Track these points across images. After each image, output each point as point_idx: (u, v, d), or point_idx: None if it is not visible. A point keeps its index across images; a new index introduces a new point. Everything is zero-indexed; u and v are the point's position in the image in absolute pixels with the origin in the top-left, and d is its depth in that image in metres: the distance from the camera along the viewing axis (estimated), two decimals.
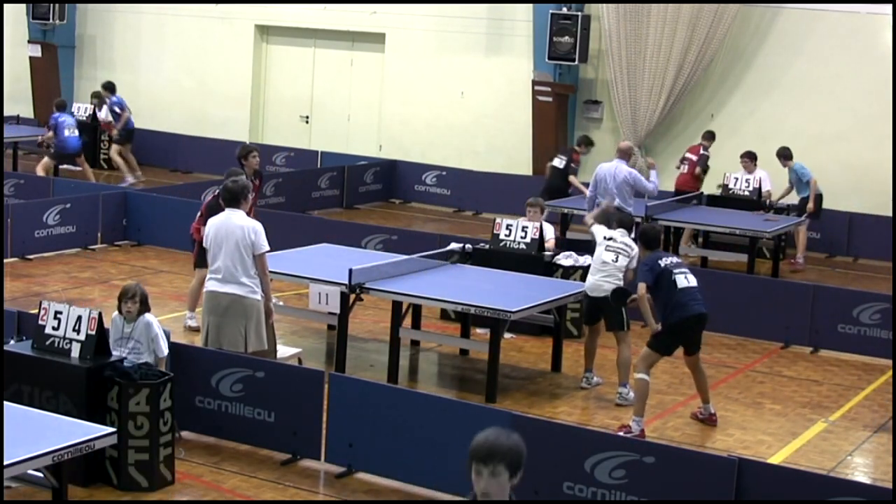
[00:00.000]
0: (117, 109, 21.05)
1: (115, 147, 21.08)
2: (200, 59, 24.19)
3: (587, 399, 10.92)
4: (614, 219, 11.45)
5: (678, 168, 17.95)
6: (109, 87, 21.33)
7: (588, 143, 18.00)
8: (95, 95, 22.20)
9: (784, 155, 17.08)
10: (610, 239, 11.00)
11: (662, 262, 9.95)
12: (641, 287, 9.92)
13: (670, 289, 9.87)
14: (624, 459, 7.85)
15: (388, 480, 8.68)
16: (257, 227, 9.68)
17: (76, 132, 19.63)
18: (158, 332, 8.82)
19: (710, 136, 18.07)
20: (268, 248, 9.73)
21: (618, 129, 20.20)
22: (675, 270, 9.93)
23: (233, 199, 9.76)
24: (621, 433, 9.63)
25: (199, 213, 11.78)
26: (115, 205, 16.50)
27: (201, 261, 11.04)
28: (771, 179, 17.50)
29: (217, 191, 11.86)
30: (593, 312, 11.12)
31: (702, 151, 17.73)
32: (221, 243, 9.63)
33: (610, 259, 10.87)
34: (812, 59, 19.05)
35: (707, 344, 12.92)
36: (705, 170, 17.73)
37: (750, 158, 17.28)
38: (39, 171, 19.13)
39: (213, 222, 9.80)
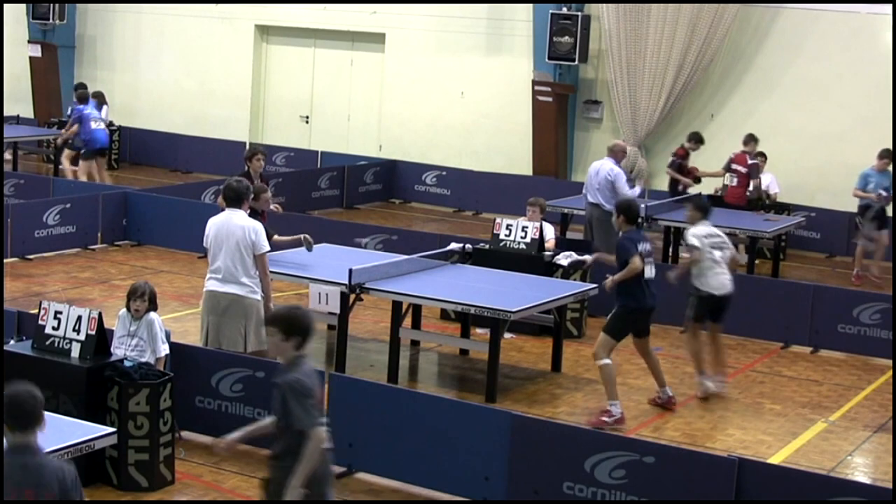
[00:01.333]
0: (72, 116, 18.79)
1: (67, 152, 18.85)
2: (200, 59, 24.18)
3: (587, 399, 10.91)
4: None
5: (725, 181, 16.68)
6: (82, 95, 18.99)
7: (697, 139, 17.29)
8: (95, 96, 22.18)
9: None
10: (707, 236, 10.94)
11: (639, 247, 10.17)
12: (636, 261, 10.04)
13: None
14: (624, 459, 7.85)
15: (388, 480, 8.68)
16: (257, 227, 9.69)
17: (102, 125, 18.70)
18: (159, 332, 8.82)
19: (753, 140, 16.73)
20: (268, 248, 9.75)
21: (618, 129, 20.19)
22: (647, 259, 10.19)
23: (235, 198, 9.77)
24: (603, 418, 9.94)
25: None
26: (115, 205, 16.49)
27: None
28: (778, 182, 17.46)
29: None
30: (714, 311, 11.11)
31: (749, 161, 16.50)
32: (222, 243, 9.63)
33: (719, 256, 10.92)
34: (812, 59, 19.03)
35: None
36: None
37: (765, 159, 17.19)
38: (82, 177, 18.09)
39: (213, 222, 9.81)
